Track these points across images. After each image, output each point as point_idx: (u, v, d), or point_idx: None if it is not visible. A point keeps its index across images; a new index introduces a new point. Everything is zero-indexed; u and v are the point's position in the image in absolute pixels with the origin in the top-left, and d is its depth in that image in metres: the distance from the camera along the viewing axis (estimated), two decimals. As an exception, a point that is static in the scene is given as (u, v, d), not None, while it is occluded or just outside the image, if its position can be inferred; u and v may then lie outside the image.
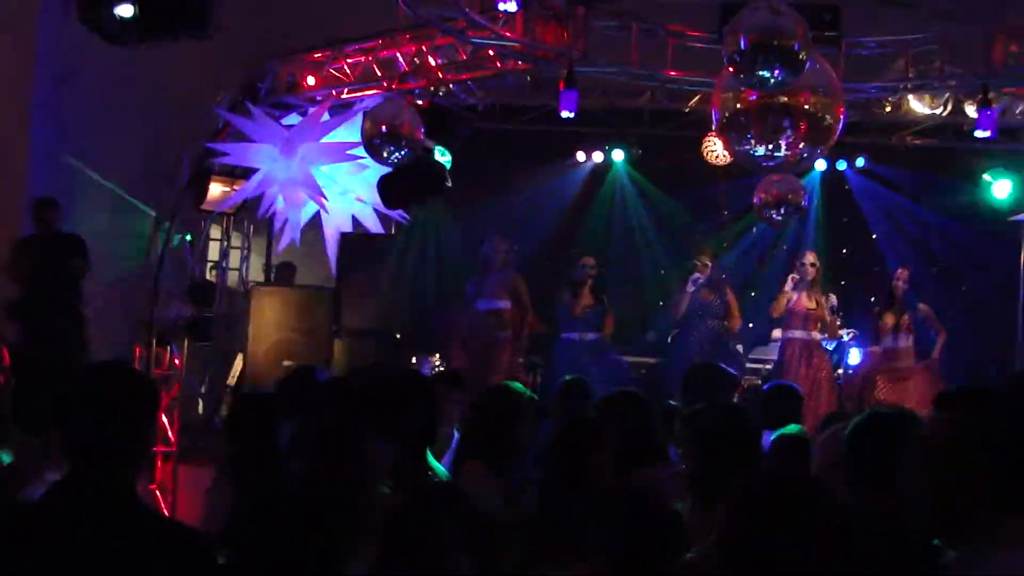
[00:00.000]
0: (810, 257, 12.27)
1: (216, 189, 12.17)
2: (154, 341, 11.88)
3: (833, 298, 12.24)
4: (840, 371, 13.01)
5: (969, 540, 2.74)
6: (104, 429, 3.19)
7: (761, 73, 7.84)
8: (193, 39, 7.90)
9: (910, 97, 12.00)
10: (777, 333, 12.46)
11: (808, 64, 8.00)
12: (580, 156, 14.37)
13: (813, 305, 12.01)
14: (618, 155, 14.18)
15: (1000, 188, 13.21)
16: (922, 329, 12.53)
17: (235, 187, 12.08)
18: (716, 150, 12.76)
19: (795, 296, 12.04)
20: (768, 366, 12.80)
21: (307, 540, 3.07)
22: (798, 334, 12.12)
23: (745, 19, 7.80)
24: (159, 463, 11.71)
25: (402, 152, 10.53)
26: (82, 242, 10.61)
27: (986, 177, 13.24)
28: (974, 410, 2.88)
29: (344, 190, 12.18)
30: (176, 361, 12.21)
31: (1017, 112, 12.27)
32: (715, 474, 4.47)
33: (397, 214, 12.50)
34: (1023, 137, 12.90)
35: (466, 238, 14.10)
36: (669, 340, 12.89)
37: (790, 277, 12.02)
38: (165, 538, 3.22)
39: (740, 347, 12.75)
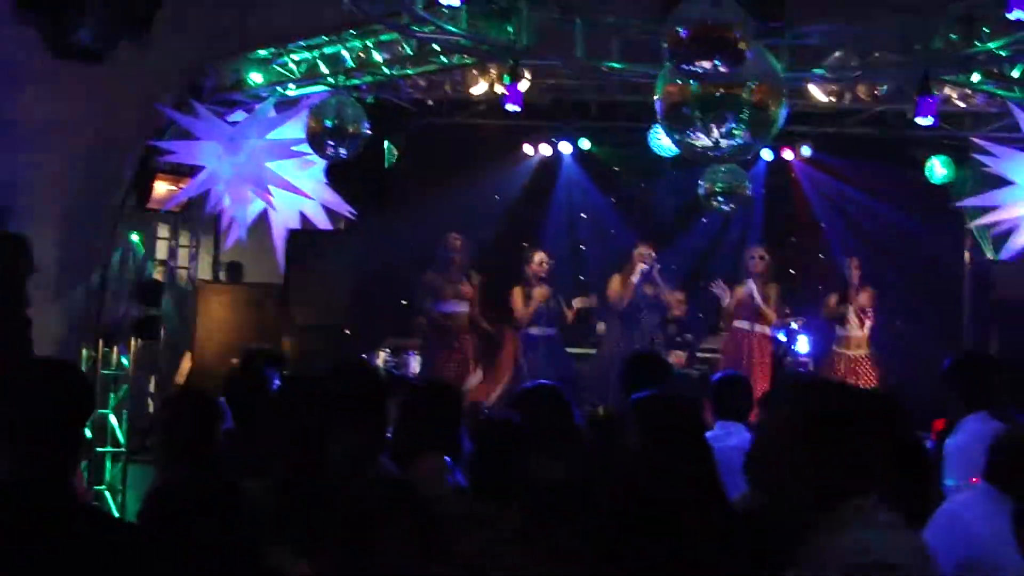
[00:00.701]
0: (759, 250, 12.39)
1: (161, 187, 12.09)
2: (101, 341, 11.82)
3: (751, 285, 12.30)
4: (789, 359, 13.09)
5: (802, 526, 2.87)
6: (36, 426, 3.18)
7: (702, 64, 7.87)
8: (136, 45, 7.83)
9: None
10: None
11: (749, 55, 8.03)
12: (528, 149, 14.38)
13: (760, 297, 12.13)
14: (566, 148, 14.20)
15: (942, 174, 13.34)
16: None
17: (181, 185, 12.00)
18: (662, 141, 12.83)
19: (746, 288, 12.15)
20: (718, 355, 12.87)
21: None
22: (744, 325, 12.25)
23: (684, 10, 7.83)
24: (108, 463, 11.67)
25: (347, 147, 10.51)
26: (26, 242, 10.52)
27: (928, 164, 13.36)
28: (797, 405, 2.98)
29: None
30: (124, 361, 12.16)
31: (958, 99, 12.37)
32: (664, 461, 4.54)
33: (345, 209, 12.49)
34: (965, 123, 13.01)
35: (414, 232, 14.08)
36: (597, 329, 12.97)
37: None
38: (107, 535, 3.21)
39: (690, 336, 12.80)
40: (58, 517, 3.12)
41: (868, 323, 12.48)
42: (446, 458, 5.07)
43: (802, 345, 13.22)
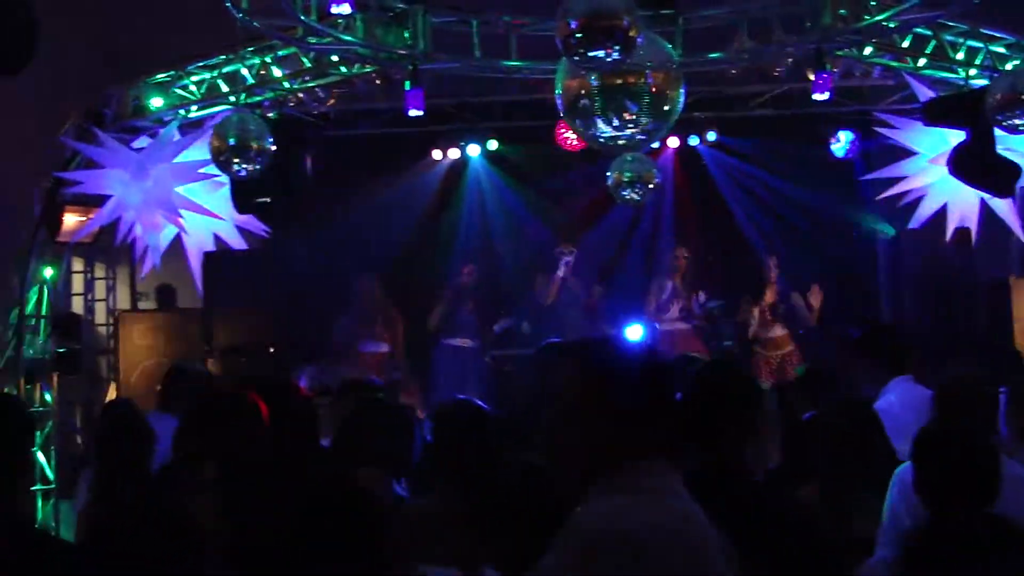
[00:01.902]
0: (682, 251, 12.58)
1: (71, 219, 11.98)
2: (22, 379, 11.71)
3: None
4: (714, 342, 13.21)
5: (592, 489, 2.82)
6: None
7: (594, 55, 7.93)
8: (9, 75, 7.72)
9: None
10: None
11: (640, 41, 8.10)
12: (436, 154, 14.40)
13: (684, 294, 12.29)
14: (474, 150, 14.24)
15: (846, 149, 13.53)
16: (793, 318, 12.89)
17: (90, 215, 11.91)
18: (568, 136, 12.93)
19: (668, 285, 12.31)
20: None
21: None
22: (679, 326, 12.43)
23: (573, 2, 7.87)
24: (40, 501, 11.55)
25: (253, 165, 10.49)
26: None
27: (833, 140, 13.54)
28: (568, 368, 2.99)
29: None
30: (47, 397, 12.05)
31: (857, 74, 12.57)
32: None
33: (259, 228, 12.44)
34: (866, 97, 13.20)
35: (330, 247, 14.08)
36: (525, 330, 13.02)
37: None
38: (58, 558, 3.23)
39: (609, 328, 12.86)
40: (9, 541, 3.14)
41: (776, 326, 12.72)
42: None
43: (725, 330, 13.35)
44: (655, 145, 12.78)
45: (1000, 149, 10.58)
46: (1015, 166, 10.68)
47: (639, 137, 9.34)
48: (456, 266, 13.48)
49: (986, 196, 11.52)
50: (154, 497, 4.41)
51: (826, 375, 7.65)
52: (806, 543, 3.77)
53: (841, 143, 13.46)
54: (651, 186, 11.97)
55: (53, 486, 11.65)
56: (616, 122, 9.04)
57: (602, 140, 9.35)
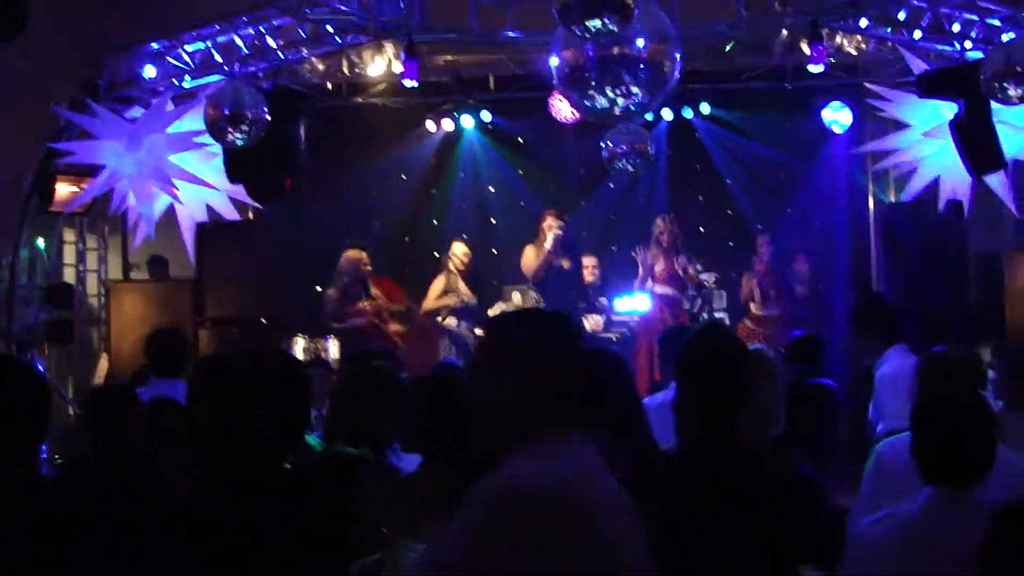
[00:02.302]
0: (658, 222, 12.55)
1: (63, 189, 11.94)
2: (14, 348, 11.68)
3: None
4: (705, 315, 13.20)
5: (508, 457, 2.85)
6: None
7: (592, 24, 7.92)
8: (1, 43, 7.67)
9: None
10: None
11: (638, 11, 8.09)
12: (430, 126, 14.38)
13: (669, 263, 12.27)
14: (468, 122, 14.21)
15: (840, 122, 13.56)
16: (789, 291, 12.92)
17: (83, 186, 11.87)
18: (562, 107, 12.91)
19: (650, 254, 12.30)
20: (635, 319, 12.93)
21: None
22: (659, 290, 12.42)
23: (571, -29, 7.85)
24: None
25: (247, 134, 10.48)
26: None
27: (826, 112, 13.56)
28: (491, 336, 3.08)
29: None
30: (39, 367, 12.01)
31: (851, 47, 12.58)
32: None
33: (254, 202, 12.41)
34: (859, 69, 13.21)
35: (323, 218, 14.06)
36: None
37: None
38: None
39: (604, 299, 12.86)
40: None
41: (779, 303, 12.76)
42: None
43: (718, 301, 13.36)
44: (649, 117, 12.86)
45: (995, 121, 10.58)
46: (999, 153, 10.71)
47: (633, 108, 9.31)
48: (449, 238, 13.41)
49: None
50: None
51: (816, 343, 7.72)
52: (805, 511, 3.79)
53: (833, 116, 13.49)
54: (645, 158, 11.96)
55: (44, 456, 11.61)
56: (611, 93, 9.02)
57: (597, 111, 9.33)
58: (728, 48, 12.73)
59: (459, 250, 12.54)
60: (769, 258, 12.93)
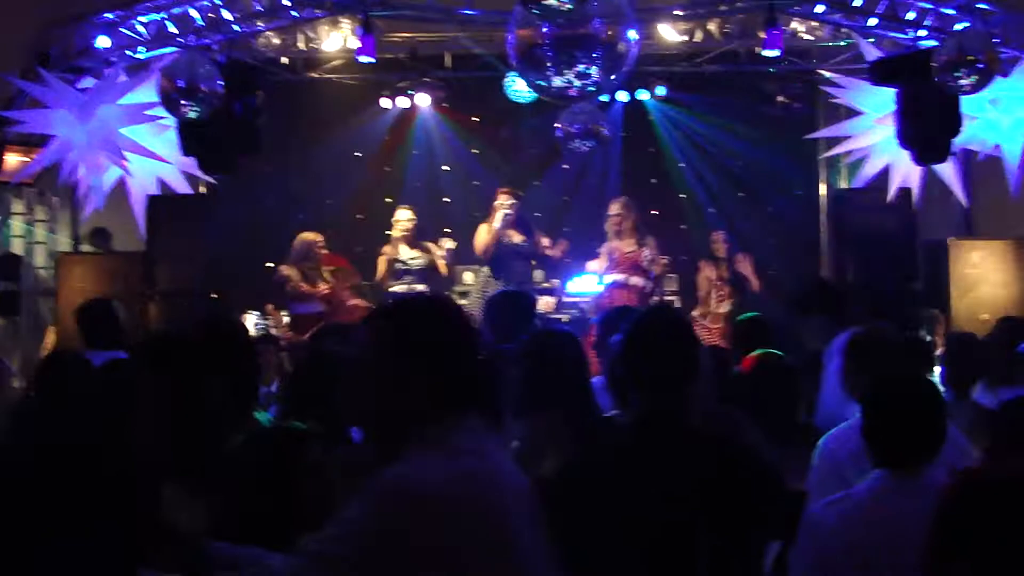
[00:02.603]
0: (614, 207, 12.32)
1: (13, 159, 11.85)
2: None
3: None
4: (655, 299, 13.23)
5: (404, 449, 2.84)
6: None
7: (548, 2, 7.93)
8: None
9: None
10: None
11: (595, -10, 8.12)
12: (385, 103, 14.34)
13: (629, 250, 12.15)
14: (423, 100, 14.18)
15: (791, 108, 13.65)
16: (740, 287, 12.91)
17: (32, 155, 11.76)
18: (518, 87, 12.92)
19: (614, 244, 12.14)
20: (587, 300, 12.92)
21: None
22: (619, 278, 12.30)
23: (528, -51, 7.86)
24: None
25: (201, 107, 10.41)
26: None
27: (779, 99, 13.65)
28: (388, 326, 3.02)
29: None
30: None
31: (805, 32, 12.66)
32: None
33: (207, 176, 12.34)
34: (813, 55, 13.30)
35: (276, 193, 14.02)
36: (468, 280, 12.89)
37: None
38: None
39: (556, 281, 12.85)
40: None
41: (725, 302, 12.73)
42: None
43: (668, 284, 13.38)
44: (604, 98, 12.88)
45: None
46: (946, 139, 10.81)
47: (589, 89, 9.32)
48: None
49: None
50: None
51: (763, 325, 7.75)
52: (758, 478, 3.82)
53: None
54: (600, 139, 11.97)
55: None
56: (567, 73, 9.03)
57: (553, 91, 9.34)
58: (684, 30, 12.74)
59: (402, 216, 12.33)
60: (726, 252, 12.89)
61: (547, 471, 4.15)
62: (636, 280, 12.10)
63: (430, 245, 12.19)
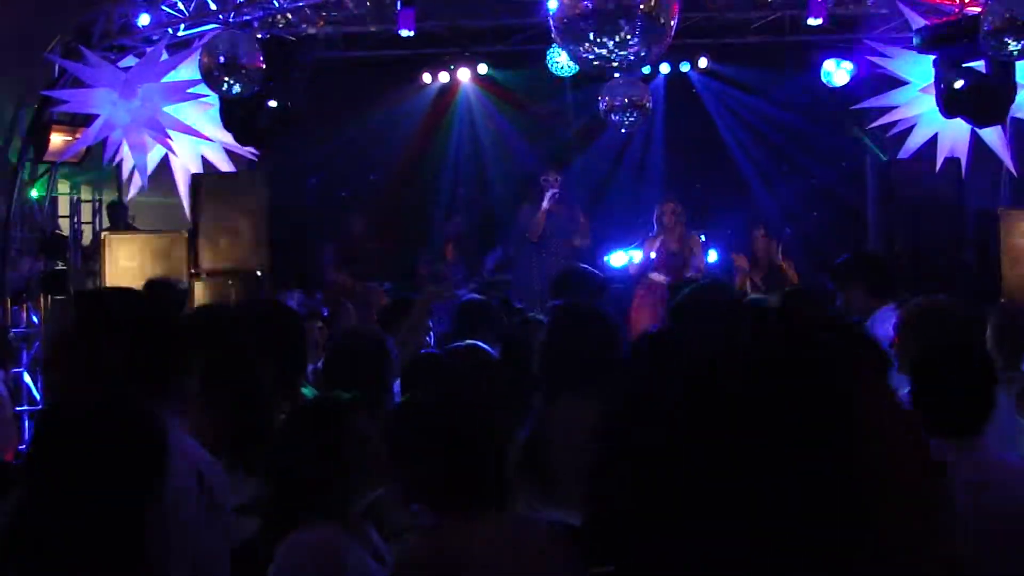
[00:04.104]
0: (670, 205, 12.02)
1: (57, 139, 11.91)
2: (8, 300, 11.65)
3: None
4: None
5: None
6: None
7: (590, -27, 7.87)
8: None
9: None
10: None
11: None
12: (426, 78, 14.30)
13: (675, 248, 11.88)
14: (464, 75, 14.13)
15: (839, 78, 13.47)
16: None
17: (77, 135, 11.83)
18: (560, 61, 12.86)
19: (662, 239, 11.80)
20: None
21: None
22: (660, 279, 11.96)
23: (568, -82, 7.78)
24: (26, 421, 11.53)
25: (243, 83, 10.42)
26: None
27: (825, 67, 13.47)
28: (72, 311, 3.15)
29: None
30: (34, 318, 12.00)
31: (850, 2, 12.50)
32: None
33: (247, 151, 12.38)
34: (858, 24, 13.12)
35: (318, 170, 14.02)
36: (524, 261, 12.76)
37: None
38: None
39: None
40: None
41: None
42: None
43: (711, 256, 13.28)
44: (646, 70, 12.79)
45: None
46: (1004, 98, 10.65)
47: (631, 60, 9.24)
48: (443, 198, 13.31)
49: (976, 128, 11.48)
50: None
51: (811, 295, 7.63)
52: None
53: (835, 71, 13.39)
54: (643, 111, 11.89)
55: (39, 407, 11.61)
56: (609, 45, 8.95)
57: (595, 63, 9.26)
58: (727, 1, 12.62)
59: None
60: (766, 252, 12.67)
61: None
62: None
63: None
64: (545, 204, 11.79)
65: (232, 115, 11.12)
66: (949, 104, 10.82)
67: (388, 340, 5.40)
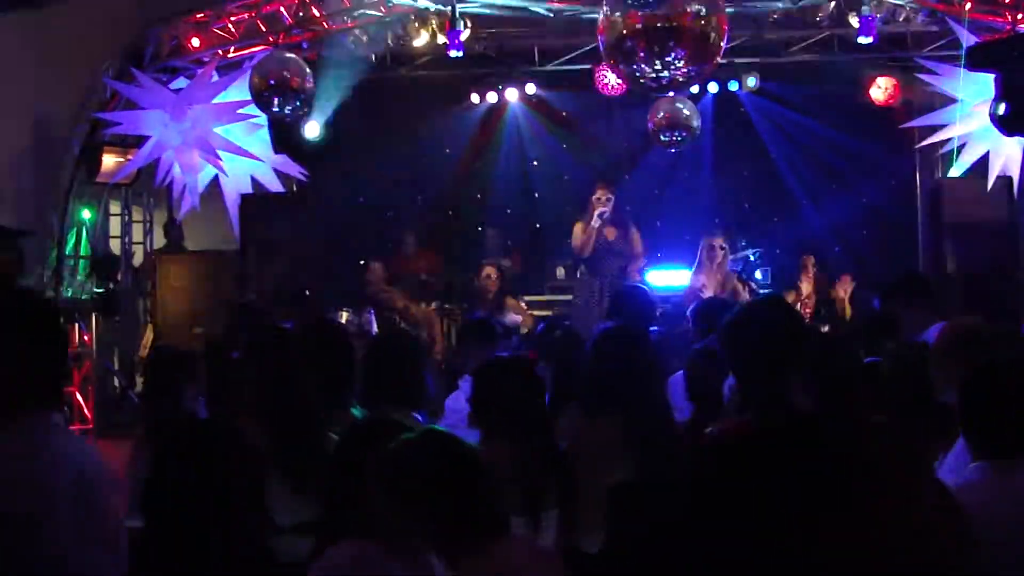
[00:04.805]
0: (718, 239, 11.77)
1: (110, 160, 12.02)
2: (61, 319, 11.72)
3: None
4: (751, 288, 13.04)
5: None
6: None
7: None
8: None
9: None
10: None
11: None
12: (475, 98, 14.32)
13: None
14: (512, 94, 14.14)
15: (888, 96, 13.40)
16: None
17: (129, 156, 11.94)
18: (609, 80, 12.85)
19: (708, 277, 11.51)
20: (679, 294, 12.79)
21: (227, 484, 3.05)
22: None
23: (618, -61, 7.80)
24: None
25: (293, 104, 10.49)
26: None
27: (874, 86, 13.41)
28: None
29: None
30: (86, 338, 12.11)
31: (899, 19, 12.44)
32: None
33: (296, 171, 12.45)
34: (908, 44, 13.05)
35: (367, 190, 14.06)
36: (578, 276, 12.70)
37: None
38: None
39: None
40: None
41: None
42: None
43: (759, 275, 13.22)
44: (695, 89, 12.75)
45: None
46: None
47: (680, 80, 9.23)
48: (496, 214, 13.26)
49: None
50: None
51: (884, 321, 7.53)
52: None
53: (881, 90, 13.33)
54: (690, 131, 11.86)
55: (91, 426, 11.71)
56: (658, 64, 8.94)
57: (643, 82, 9.26)
58: (774, 19, 12.58)
59: (492, 274, 12.12)
60: (814, 278, 12.58)
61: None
62: None
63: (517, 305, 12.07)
64: (595, 222, 11.63)
65: (282, 135, 11.20)
66: (1007, 122, 10.71)
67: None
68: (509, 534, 3.33)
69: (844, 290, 12.37)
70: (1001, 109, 10.11)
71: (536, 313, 12.18)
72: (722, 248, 11.40)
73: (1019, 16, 10.90)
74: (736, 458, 1.93)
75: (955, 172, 12.39)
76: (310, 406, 4.47)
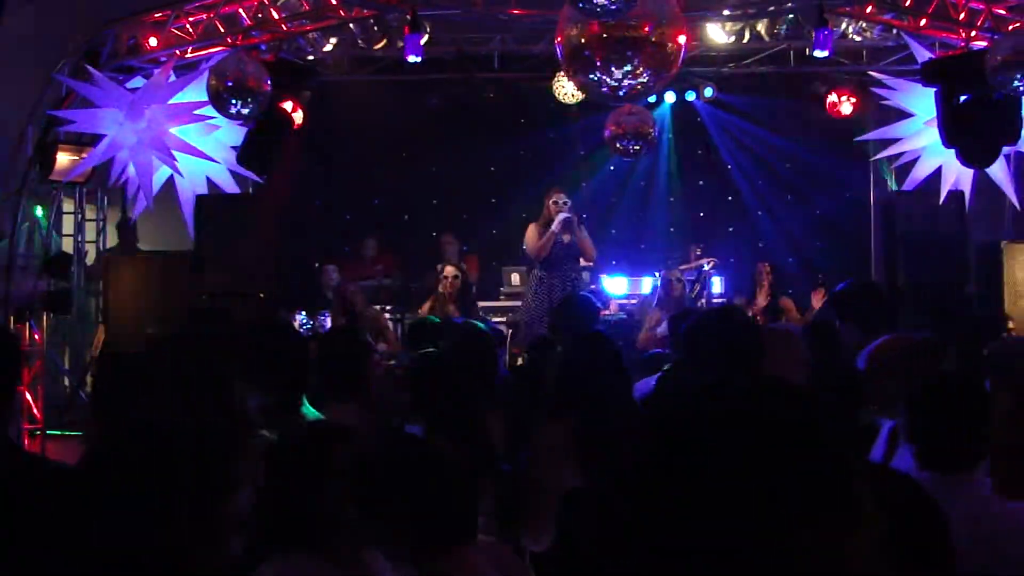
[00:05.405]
0: (675, 274, 11.83)
1: (64, 158, 11.89)
2: (12, 318, 11.65)
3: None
4: (703, 301, 13.10)
5: None
6: None
7: (598, 2, 7.90)
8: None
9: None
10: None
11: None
12: (433, 102, 14.30)
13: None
14: (470, 100, 14.13)
15: (843, 109, 13.51)
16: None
17: (83, 155, 11.82)
18: (566, 88, 12.88)
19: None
20: (633, 302, 12.89)
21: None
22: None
23: (577, -52, 7.82)
24: (26, 440, 11.51)
25: (250, 106, 10.45)
26: None
27: (830, 99, 13.52)
28: None
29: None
30: (36, 336, 12.00)
31: (854, 33, 12.55)
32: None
33: (252, 173, 12.39)
34: (864, 57, 13.17)
35: (323, 192, 14.03)
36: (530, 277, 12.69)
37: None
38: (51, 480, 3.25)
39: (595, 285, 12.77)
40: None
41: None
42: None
43: (716, 287, 13.30)
44: (652, 99, 12.81)
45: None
46: (997, 139, 10.66)
47: (637, 90, 9.27)
48: (453, 219, 13.25)
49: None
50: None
51: (826, 329, 7.58)
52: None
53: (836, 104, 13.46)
54: (647, 140, 11.91)
55: (40, 425, 11.61)
56: (616, 73, 8.98)
57: (601, 91, 9.29)
58: (733, 31, 12.66)
59: (449, 273, 12.08)
60: (770, 285, 12.63)
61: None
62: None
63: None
64: (555, 227, 11.59)
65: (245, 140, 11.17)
66: (950, 136, 10.83)
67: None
68: (476, 538, 3.33)
69: (818, 302, 12.46)
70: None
71: (495, 319, 12.18)
72: (679, 281, 11.49)
73: (972, 33, 11.00)
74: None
75: (907, 186, 12.51)
76: (238, 408, 4.45)
